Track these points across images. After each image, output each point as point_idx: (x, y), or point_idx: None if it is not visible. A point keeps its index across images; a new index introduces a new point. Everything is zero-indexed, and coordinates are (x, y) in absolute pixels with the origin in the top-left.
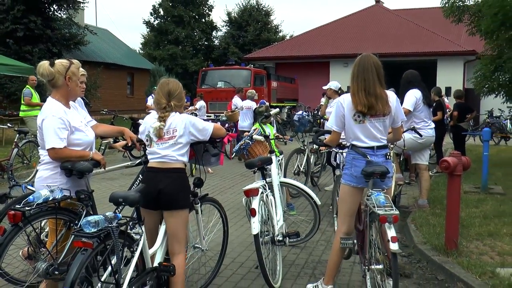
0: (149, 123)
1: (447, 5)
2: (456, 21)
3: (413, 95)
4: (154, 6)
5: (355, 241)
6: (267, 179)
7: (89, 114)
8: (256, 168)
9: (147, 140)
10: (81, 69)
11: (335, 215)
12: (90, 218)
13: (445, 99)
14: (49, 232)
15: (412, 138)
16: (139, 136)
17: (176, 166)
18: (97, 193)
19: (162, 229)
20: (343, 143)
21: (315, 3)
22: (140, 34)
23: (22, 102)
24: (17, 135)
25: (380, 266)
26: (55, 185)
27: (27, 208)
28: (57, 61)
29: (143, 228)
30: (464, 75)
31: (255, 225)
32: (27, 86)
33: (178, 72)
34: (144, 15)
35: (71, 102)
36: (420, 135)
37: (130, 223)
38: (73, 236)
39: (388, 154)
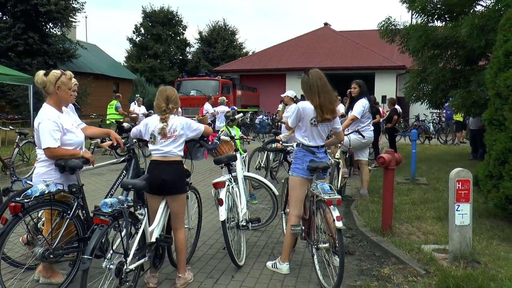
0: (153, 124)
1: (382, 28)
2: (389, 41)
3: (362, 105)
4: (136, 25)
5: (303, 227)
6: (232, 173)
7: (79, 118)
8: (223, 164)
9: (150, 138)
10: (73, 79)
11: (282, 211)
12: (107, 200)
13: (379, 107)
14: (45, 221)
15: (356, 139)
16: (131, 135)
17: (176, 159)
18: (87, 186)
19: (159, 210)
20: (288, 148)
21: (274, 25)
22: (124, 49)
23: (115, 111)
24: (18, 136)
25: (327, 245)
26: (50, 180)
27: (26, 200)
28: (51, 72)
29: (145, 210)
30: (397, 85)
31: (222, 213)
32: (116, 100)
33: (157, 82)
34: (128, 33)
35: (63, 107)
36: (363, 136)
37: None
38: (68, 220)
39: (326, 149)
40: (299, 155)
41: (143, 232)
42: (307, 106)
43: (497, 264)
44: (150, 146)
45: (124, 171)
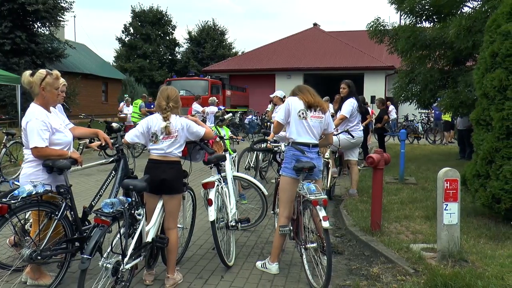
0: (154, 123)
1: (371, 29)
2: (378, 41)
3: (351, 104)
4: (125, 25)
5: (291, 227)
6: (222, 174)
7: (67, 118)
8: (213, 164)
9: (152, 137)
10: (62, 79)
11: (272, 212)
12: (108, 200)
13: (369, 107)
14: (32, 222)
15: (346, 139)
16: (130, 140)
17: (175, 160)
18: (76, 187)
19: (156, 210)
20: (276, 149)
21: (263, 25)
22: (113, 49)
23: (138, 110)
24: (5, 136)
25: (315, 245)
26: (38, 181)
27: (12, 201)
28: (37, 72)
29: (144, 210)
30: (386, 86)
31: (212, 213)
32: (141, 100)
33: (146, 82)
34: (117, 33)
35: (51, 108)
36: (353, 136)
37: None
38: (56, 222)
39: (320, 151)
40: (288, 155)
41: (140, 232)
42: (295, 99)
43: (484, 262)
44: (150, 145)
45: (113, 172)
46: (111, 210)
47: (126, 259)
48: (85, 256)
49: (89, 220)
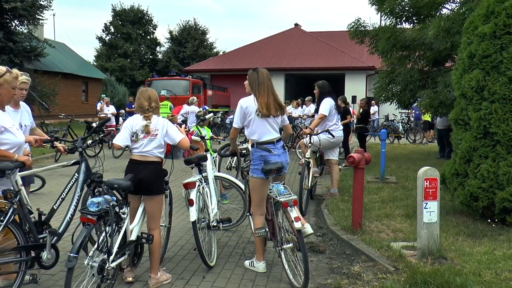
0: (135, 123)
1: (352, 29)
2: (359, 42)
3: (328, 103)
4: (105, 24)
5: (267, 229)
6: (203, 174)
7: (32, 119)
8: (194, 164)
9: (132, 137)
10: (24, 77)
11: (248, 213)
12: (94, 199)
13: (350, 107)
14: None
15: (326, 139)
16: (122, 145)
17: (154, 160)
18: (55, 188)
19: (140, 210)
20: (243, 152)
21: (244, 25)
22: (93, 48)
23: (169, 111)
24: None
25: (291, 245)
26: None
27: None
28: None
29: (128, 209)
30: (366, 86)
31: (193, 213)
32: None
33: (127, 82)
34: (97, 32)
35: (8, 107)
36: (333, 136)
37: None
38: (2, 227)
39: (284, 145)
40: (255, 156)
41: (125, 230)
42: (248, 100)
43: (463, 259)
44: (132, 146)
45: (76, 174)
46: (97, 209)
47: (111, 258)
48: (71, 254)
49: (50, 224)
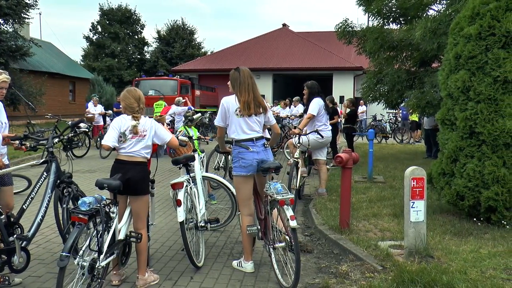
0: (123, 123)
1: (340, 30)
2: (347, 42)
3: (317, 103)
4: (93, 23)
5: (259, 227)
6: (191, 174)
7: (6, 118)
8: (182, 165)
9: (120, 137)
10: (4, 75)
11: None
12: (85, 199)
13: (338, 107)
14: None
15: (315, 139)
16: (112, 145)
17: (141, 160)
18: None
19: (127, 210)
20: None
21: (232, 25)
22: (80, 48)
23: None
24: None
25: (283, 244)
26: None
27: None
28: None
29: (117, 209)
30: (354, 86)
31: (181, 214)
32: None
33: (115, 82)
34: (84, 31)
35: None
36: (322, 136)
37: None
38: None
39: (266, 143)
40: (235, 153)
41: (114, 229)
42: (230, 99)
43: (449, 258)
44: (119, 146)
45: (44, 173)
46: (88, 208)
47: (101, 257)
48: (63, 253)
49: (21, 225)
